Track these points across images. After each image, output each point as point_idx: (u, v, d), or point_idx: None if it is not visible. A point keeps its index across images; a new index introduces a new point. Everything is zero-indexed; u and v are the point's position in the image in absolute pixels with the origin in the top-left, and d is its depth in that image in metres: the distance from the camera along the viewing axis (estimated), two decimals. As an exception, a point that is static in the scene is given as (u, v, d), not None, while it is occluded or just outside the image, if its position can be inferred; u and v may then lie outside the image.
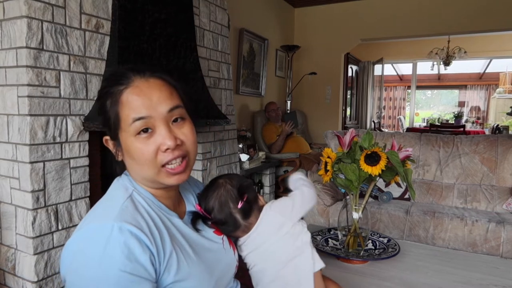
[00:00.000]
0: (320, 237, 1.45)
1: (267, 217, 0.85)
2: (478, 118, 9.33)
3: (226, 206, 0.82)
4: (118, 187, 0.72)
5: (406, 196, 2.52)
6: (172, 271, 0.65)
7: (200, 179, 2.57)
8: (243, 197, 0.82)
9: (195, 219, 0.79)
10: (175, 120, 0.70)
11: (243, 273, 0.87)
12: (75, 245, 0.61)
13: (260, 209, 0.87)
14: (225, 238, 0.83)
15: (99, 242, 0.59)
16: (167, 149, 0.67)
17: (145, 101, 0.67)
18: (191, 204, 0.84)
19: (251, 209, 0.84)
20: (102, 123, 0.73)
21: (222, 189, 0.83)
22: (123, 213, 0.63)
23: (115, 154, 0.73)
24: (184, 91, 0.76)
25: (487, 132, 6.83)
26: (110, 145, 0.74)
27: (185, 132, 0.71)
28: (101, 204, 0.69)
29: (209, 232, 0.81)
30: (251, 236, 0.84)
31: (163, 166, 0.68)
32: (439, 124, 7.40)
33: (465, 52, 6.22)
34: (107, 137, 0.73)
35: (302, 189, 0.89)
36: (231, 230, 0.84)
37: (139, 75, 0.70)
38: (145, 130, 0.67)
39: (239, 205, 0.82)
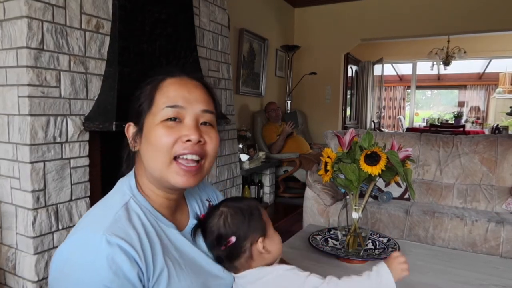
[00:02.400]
0: (320, 237, 1.45)
1: (260, 274, 0.76)
2: (478, 118, 9.33)
3: (212, 241, 0.76)
4: (118, 191, 0.70)
5: (406, 196, 2.52)
6: (164, 285, 0.63)
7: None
8: (228, 242, 0.74)
9: (195, 232, 0.77)
10: (204, 123, 0.70)
11: None
12: (65, 253, 0.61)
13: (252, 256, 0.76)
14: None
15: (88, 254, 0.58)
16: (188, 140, 0.66)
17: (183, 93, 0.69)
18: (194, 212, 0.81)
19: (237, 256, 0.76)
20: (132, 108, 0.73)
21: (215, 221, 0.76)
22: (115, 224, 0.61)
23: (131, 143, 0.72)
24: (220, 108, 0.77)
25: (486, 132, 6.82)
26: (130, 131, 0.73)
27: (211, 136, 0.71)
28: (97, 209, 0.68)
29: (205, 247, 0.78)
30: (237, 281, 0.78)
31: (176, 159, 0.67)
32: (439, 124, 7.40)
33: (464, 52, 6.22)
34: (131, 123, 0.73)
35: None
36: (219, 262, 0.77)
37: (186, 74, 0.73)
38: (173, 119, 0.67)
39: (222, 247, 0.75)
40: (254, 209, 0.79)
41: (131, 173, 0.74)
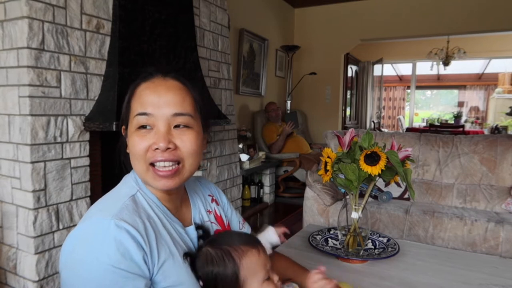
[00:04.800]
0: (320, 236, 1.45)
1: None
2: (478, 118, 9.33)
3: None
4: (125, 185, 0.73)
5: (406, 196, 2.52)
6: (167, 274, 0.65)
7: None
8: (199, 280, 0.71)
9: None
10: (178, 126, 0.69)
11: None
12: (74, 239, 0.63)
13: None
14: None
15: (96, 237, 0.60)
16: (157, 149, 0.67)
17: (154, 99, 0.69)
18: (197, 210, 0.83)
19: None
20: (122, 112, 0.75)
21: (198, 255, 0.73)
22: (123, 211, 0.64)
23: (127, 145, 0.75)
24: (202, 103, 0.76)
25: (486, 132, 6.83)
26: (124, 134, 0.75)
27: (184, 139, 0.69)
28: (105, 200, 0.70)
29: None
30: None
31: (152, 165, 0.68)
32: (439, 124, 7.40)
33: (464, 52, 6.23)
34: (123, 126, 0.75)
35: None
36: None
37: (161, 74, 0.72)
38: (145, 127, 0.68)
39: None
40: (229, 261, 0.70)
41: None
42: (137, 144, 0.68)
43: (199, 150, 0.72)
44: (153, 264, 0.63)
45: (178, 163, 0.69)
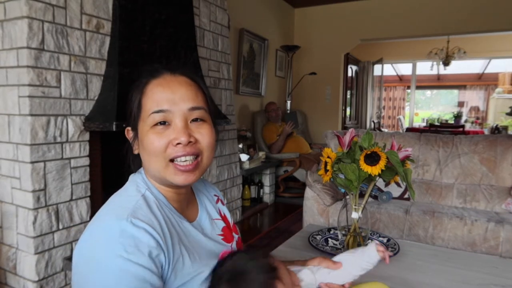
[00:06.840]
0: (320, 236, 1.45)
1: None
2: (478, 118, 9.33)
3: None
4: (132, 185, 0.72)
5: (406, 196, 2.52)
6: (177, 273, 0.65)
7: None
8: None
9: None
10: (195, 120, 0.70)
11: None
12: (88, 237, 0.61)
13: None
14: (234, 246, 0.83)
15: (112, 237, 0.59)
16: (178, 143, 0.67)
17: (168, 95, 0.68)
18: (204, 208, 0.83)
19: None
20: (126, 112, 0.74)
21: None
22: (137, 211, 0.63)
23: (132, 146, 0.74)
24: (210, 97, 0.76)
25: (486, 132, 6.83)
26: (129, 135, 0.75)
27: (202, 132, 0.70)
28: (116, 199, 0.69)
29: (217, 238, 0.81)
30: None
31: (172, 161, 0.68)
32: (439, 124, 7.40)
33: (464, 52, 6.23)
34: (129, 128, 0.74)
35: None
36: None
37: (170, 71, 0.72)
38: (162, 123, 0.68)
39: None
40: None
41: (141, 169, 0.75)
42: (156, 142, 0.67)
43: (215, 143, 0.73)
44: (169, 263, 0.63)
45: (197, 156, 0.69)
